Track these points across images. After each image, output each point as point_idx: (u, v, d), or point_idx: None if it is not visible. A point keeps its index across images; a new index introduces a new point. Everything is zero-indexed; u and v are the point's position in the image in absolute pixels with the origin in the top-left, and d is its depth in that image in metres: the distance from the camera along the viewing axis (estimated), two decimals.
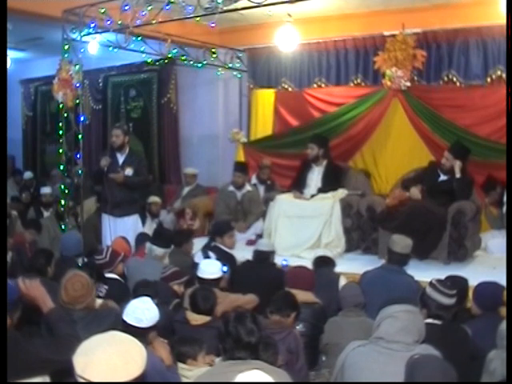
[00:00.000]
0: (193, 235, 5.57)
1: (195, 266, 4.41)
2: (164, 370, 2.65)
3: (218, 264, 4.08)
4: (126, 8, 5.48)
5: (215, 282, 3.90)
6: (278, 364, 2.76)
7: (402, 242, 4.29)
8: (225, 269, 4.90)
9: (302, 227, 5.87)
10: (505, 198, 5.01)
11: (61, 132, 6.36)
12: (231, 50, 7.88)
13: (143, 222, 6.38)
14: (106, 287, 3.96)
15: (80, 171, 6.29)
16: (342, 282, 4.36)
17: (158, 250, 4.77)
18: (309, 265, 4.57)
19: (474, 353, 3.00)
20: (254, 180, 7.28)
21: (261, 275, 4.44)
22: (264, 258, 4.68)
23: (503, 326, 2.74)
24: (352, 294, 3.64)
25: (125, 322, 2.68)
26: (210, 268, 3.96)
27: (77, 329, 3.00)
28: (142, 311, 2.69)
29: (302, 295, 3.76)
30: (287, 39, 6.30)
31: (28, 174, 9.60)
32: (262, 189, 7.14)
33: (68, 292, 3.13)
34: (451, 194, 5.44)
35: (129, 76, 9.67)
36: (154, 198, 7.14)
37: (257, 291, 3.99)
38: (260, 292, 3.97)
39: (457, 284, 3.53)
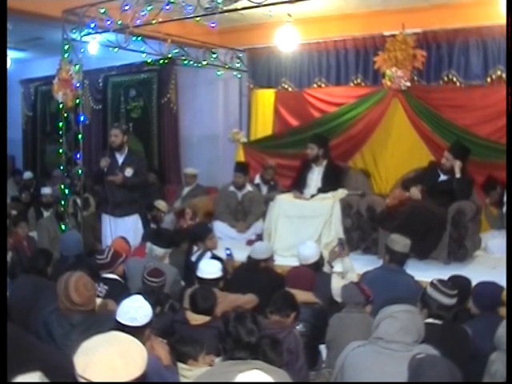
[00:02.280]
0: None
1: (194, 265, 4.42)
2: (161, 369, 2.66)
3: (218, 264, 4.07)
4: (126, 8, 5.48)
5: (215, 281, 3.90)
6: (283, 362, 2.77)
7: (402, 241, 4.33)
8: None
9: (302, 227, 5.86)
10: (505, 198, 5.01)
11: (61, 132, 6.37)
12: (231, 49, 7.88)
13: (144, 225, 6.30)
14: (106, 287, 3.96)
15: (80, 171, 6.30)
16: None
17: (159, 250, 4.78)
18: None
19: (474, 353, 3.00)
20: (257, 180, 7.28)
21: (258, 278, 4.42)
22: (255, 264, 4.65)
23: (500, 331, 2.74)
24: (351, 294, 3.66)
25: (119, 322, 2.68)
26: (210, 268, 3.95)
27: (76, 332, 3.01)
28: (136, 310, 2.70)
29: (302, 295, 3.76)
30: (287, 39, 6.31)
31: (28, 174, 9.60)
32: (265, 189, 7.15)
33: (81, 292, 3.10)
34: (451, 194, 5.44)
35: (129, 76, 9.68)
36: (161, 203, 7.01)
37: (254, 293, 3.99)
38: (258, 294, 3.97)
39: (460, 284, 3.54)
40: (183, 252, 5.32)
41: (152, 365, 2.37)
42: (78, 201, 6.45)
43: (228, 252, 5.13)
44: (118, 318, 2.70)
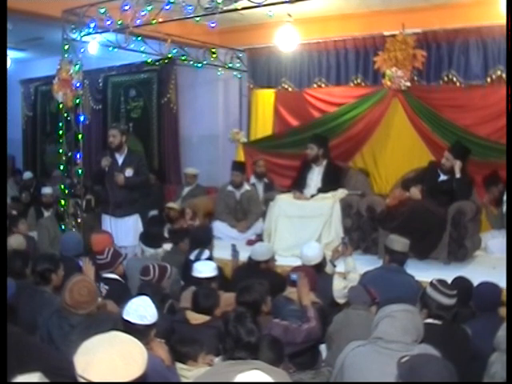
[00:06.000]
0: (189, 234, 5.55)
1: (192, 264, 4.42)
2: (165, 371, 2.65)
3: (213, 264, 4.12)
4: (126, 8, 5.48)
5: (209, 280, 3.92)
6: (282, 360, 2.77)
7: (401, 241, 4.33)
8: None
9: (301, 227, 5.87)
10: (505, 197, 5.01)
11: (61, 132, 6.37)
12: (231, 49, 7.89)
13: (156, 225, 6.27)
14: (107, 287, 3.96)
15: (80, 171, 6.29)
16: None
17: (150, 251, 4.77)
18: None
19: (474, 353, 3.00)
20: (252, 180, 7.29)
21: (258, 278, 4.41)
22: (256, 266, 4.63)
23: (500, 334, 2.73)
24: (357, 294, 3.66)
25: (127, 321, 2.67)
26: (205, 267, 4.00)
27: (74, 333, 3.01)
28: (145, 308, 2.71)
29: None
30: (287, 39, 6.31)
31: (28, 174, 9.60)
32: (260, 187, 7.15)
33: (73, 295, 3.11)
34: (451, 194, 5.44)
35: (129, 76, 9.69)
36: (170, 203, 7.19)
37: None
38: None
39: (462, 286, 3.54)
40: (182, 251, 5.31)
41: (155, 367, 2.38)
42: (79, 201, 6.45)
43: (234, 250, 5.13)
44: (126, 317, 2.68)
